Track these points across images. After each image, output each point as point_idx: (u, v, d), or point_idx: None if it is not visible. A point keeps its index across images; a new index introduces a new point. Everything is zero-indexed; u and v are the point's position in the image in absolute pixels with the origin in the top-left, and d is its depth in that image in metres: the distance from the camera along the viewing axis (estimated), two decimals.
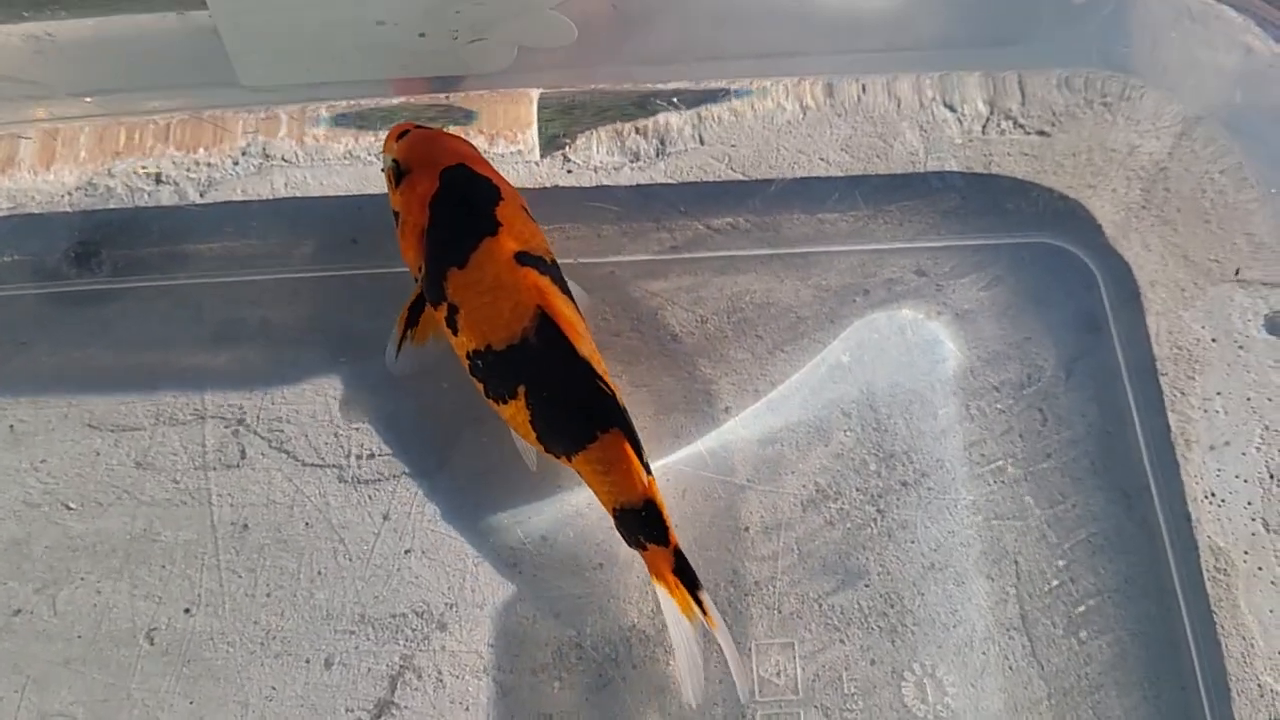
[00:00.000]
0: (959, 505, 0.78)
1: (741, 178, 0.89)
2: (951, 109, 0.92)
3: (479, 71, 0.82)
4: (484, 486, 0.79)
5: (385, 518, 0.79)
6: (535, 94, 0.92)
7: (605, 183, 0.89)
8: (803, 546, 0.77)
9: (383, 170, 0.82)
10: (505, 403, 0.75)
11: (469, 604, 0.76)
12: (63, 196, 0.89)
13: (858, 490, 0.79)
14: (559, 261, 0.79)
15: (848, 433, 0.81)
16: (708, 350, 0.83)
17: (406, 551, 0.78)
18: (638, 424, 0.78)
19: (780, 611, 0.75)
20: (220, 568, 0.77)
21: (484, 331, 0.73)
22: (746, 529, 0.78)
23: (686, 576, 0.70)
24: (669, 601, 0.70)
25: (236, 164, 0.91)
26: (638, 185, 0.89)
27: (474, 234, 0.74)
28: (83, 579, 0.77)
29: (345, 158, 0.91)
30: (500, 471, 0.79)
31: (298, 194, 0.89)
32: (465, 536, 0.78)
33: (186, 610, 0.76)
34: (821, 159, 0.90)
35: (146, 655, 0.75)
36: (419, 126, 0.81)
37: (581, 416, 0.72)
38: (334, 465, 0.80)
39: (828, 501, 0.78)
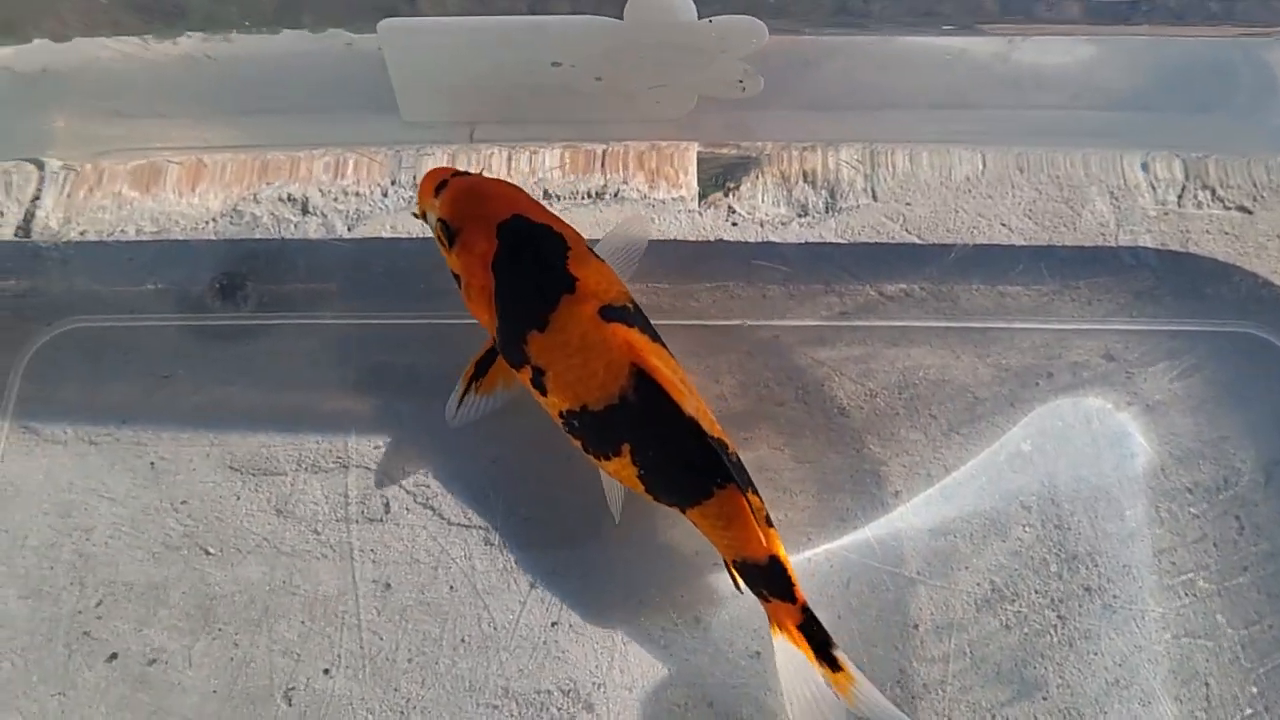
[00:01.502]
0: (1147, 618, 0.74)
1: (917, 241, 0.86)
2: (1146, 175, 0.88)
3: (655, 118, 0.79)
4: (637, 561, 0.77)
5: (532, 586, 0.77)
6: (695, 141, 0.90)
7: (772, 239, 0.86)
8: (976, 650, 0.74)
9: (415, 215, 0.79)
10: (608, 459, 0.73)
11: (617, 685, 0.74)
12: (207, 223, 0.88)
13: (1037, 593, 0.75)
14: (723, 323, 0.77)
15: (1027, 528, 0.77)
16: (877, 427, 0.80)
17: (553, 624, 0.76)
18: (799, 502, 0.76)
19: (950, 718, 0.72)
20: (361, 627, 0.76)
21: (578, 393, 0.71)
22: (916, 626, 0.75)
23: (814, 634, 0.69)
24: (790, 652, 0.69)
25: (385, 196, 0.90)
26: (806, 243, 0.86)
27: (550, 294, 0.71)
28: (220, 630, 0.76)
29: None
30: (654, 546, 0.77)
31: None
32: (615, 613, 0.76)
33: (325, 671, 0.75)
34: (1003, 225, 0.86)
35: (283, 716, 0.74)
36: (456, 173, 0.78)
37: (694, 473, 0.70)
38: (481, 527, 0.78)
39: (1004, 603, 0.75)
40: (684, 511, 0.73)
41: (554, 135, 0.85)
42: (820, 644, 0.69)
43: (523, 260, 0.73)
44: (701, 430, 0.69)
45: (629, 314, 0.73)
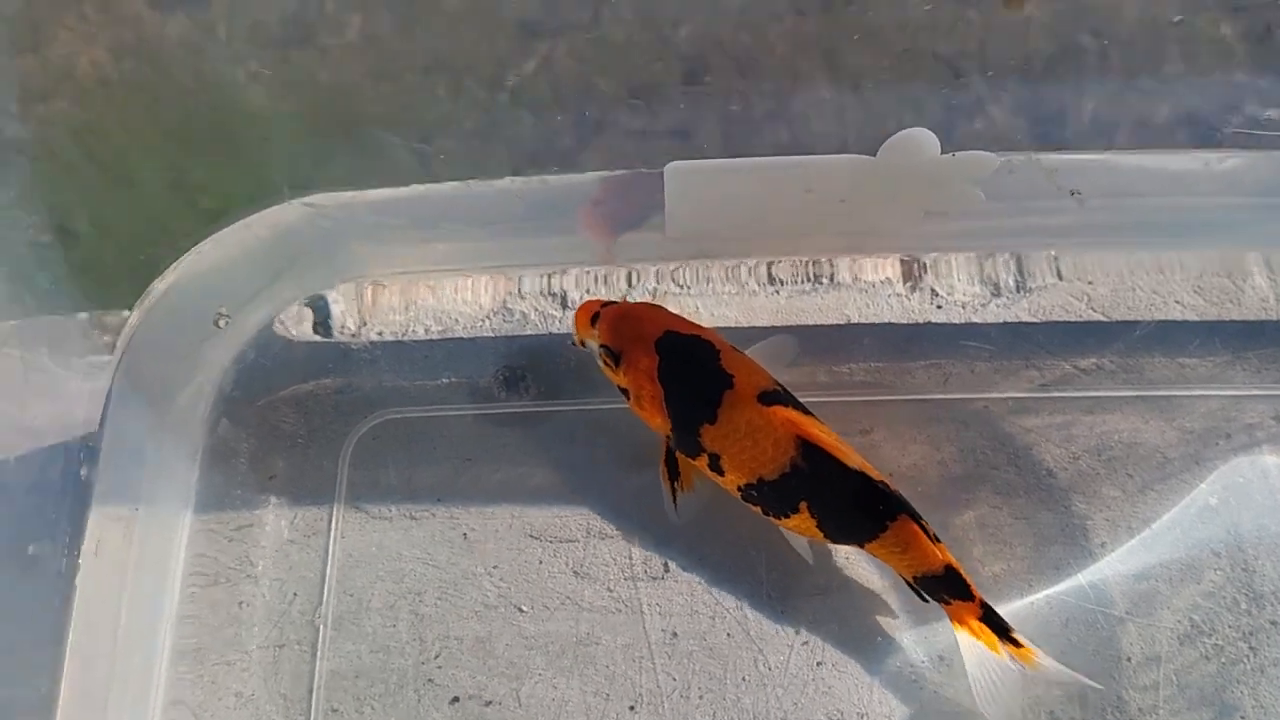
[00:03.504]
0: None
1: (1103, 319, 1.00)
2: None
3: (886, 232, 0.93)
4: (884, 608, 0.92)
5: (797, 632, 0.92)
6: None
7: (974, 320, 1.01)
8: (1181, 678, 0.89)
9: (571, 344, 0.94)
10: (788, 517, 0.89)
11: (877, 715, 0.90)
12: (483, 320, 1.04)
13: (1230, 627, 0.90)
14: (939, 397, 0.92)
15: (1218, 572, 0.91)
16: (1081, 487, 0.95)
17: (818, 664, 0.91)
18: (1019, 553, 0.92)
19: None
20: (656, 670, 0.92)
21: (753, 469, 0.87)
22: (1128, 659, 0.89)
23: (995, 622, 0.84)
24: (972, 644, 0.85)
25: (632, 285, 1.05)
26: (1005, 323, 1.00)
27: (713, 392, 0.87)
28: (540, 675, 0.92)
29: (731, 284, 1.04)
30: (898, 594, 0.92)
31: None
32: (870, 653, 0.91)
33: (631, 707, 0.91)
34: (1177, 302, 1.00)
35: None
36: (605, 303, 0.93)
37: (869, 513, 0.86)
38: (749, 581, 0.94)
39: (1202, 636, 0.90)
40: (862, 547, 0.88)
41: (776, 251, 1.00)
42: (1002, 630, 0.85)
43: (684, 368, 0.89)
44: (869, 478, 0.85)
45: (781, 395, 0.89)
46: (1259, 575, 0.91)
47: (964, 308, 1.03)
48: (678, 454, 0.93)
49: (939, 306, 1.03)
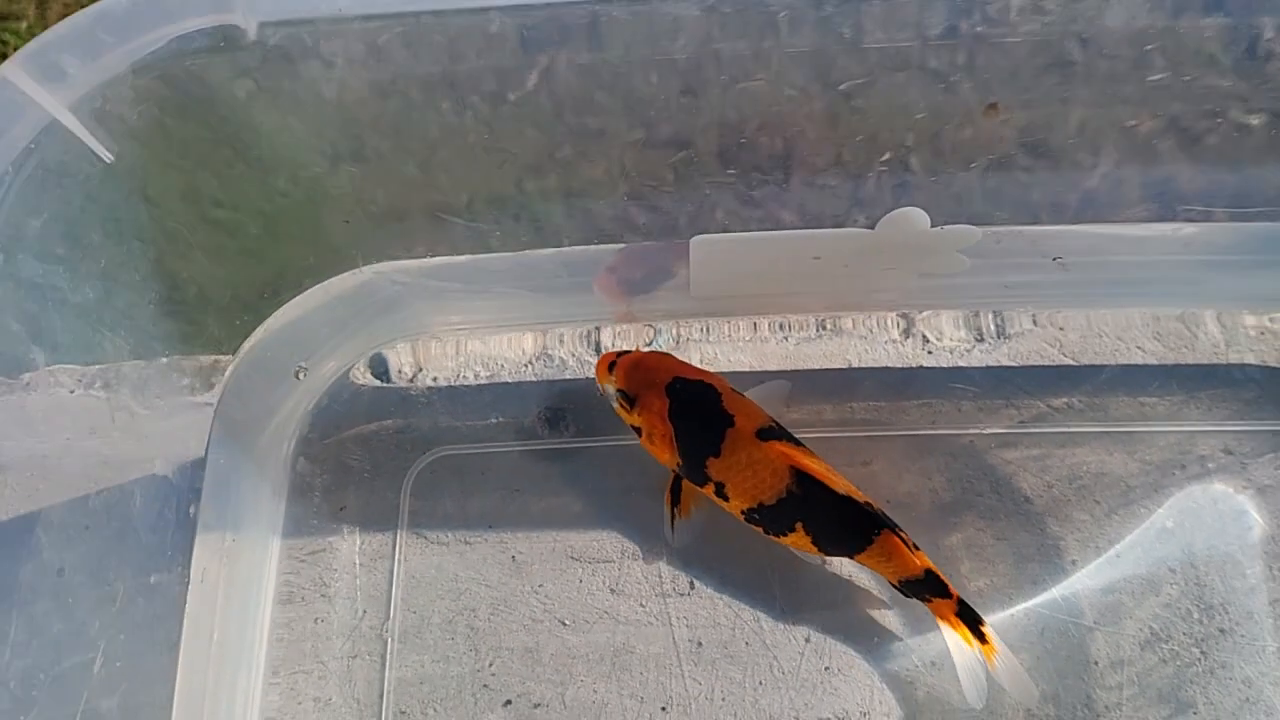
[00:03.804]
0: (1267, 651, 1.02)
1: (1073, 363, 1.13)
2: (1246, 303, 1.15)
3: (884, 292, 1.07)
4: (884, 619, 1.06)
5: (807, 641, 1.05)
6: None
7: (960, 364, 1.14)
8: (1142, 680, 1.02)
9: (601, 394, 1.06)
10: (786, 535, 1.03)
11: (879, 713, 1.03)
12: (525, 365, 1.17)
13: (1184, 635, 1.03)
14: (929, 432, 1.05)
15: (1174, 586, 1.05)
16: (1055, 512, 1.08)
17: (826, 669, 1.05)
18: (1000, 570, 1.05)
19: None
20: (684, 676, 1.05)
21: (753, 495, 1.01)
22: (1096, 663, 1.03)
23: (968, 616, 0.99)
24: (954, 635, 0.99)
25: (651, 342, 1.18)
26: (988, 367, 1.14)
27: (717, 429, 1.01)
28: (582, 681, 1.05)
29: (748, 335, 1.17)
30: (897, 608, 1.06)
31: (710, 369, 1.15)
32: (871, 658, 1.05)
33: (663, 708, 1.04)
34: (1139, 347, 1.14)
35: None
36: (621, 353, 1.07)
37: (856, 530, 1.00)
38: (764, 596, 1.07)
39: (1160, 643, 1.03)
40: (852, 557, 1.02)
41: (786, 307, 1.14)
42: (973, 622, 0.99)
43: (691, 409, 1.03)
44: (855, 500, 0.99)
45: (776, 431, 1.03)
46: (1209, 589, 1.05)
47: (951, 353, 1.16)
48: (685, 483, 1.06)
49: (930, 352, 1.16)
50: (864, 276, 1.05)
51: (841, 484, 0.99)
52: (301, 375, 1.10)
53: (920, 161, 0.91)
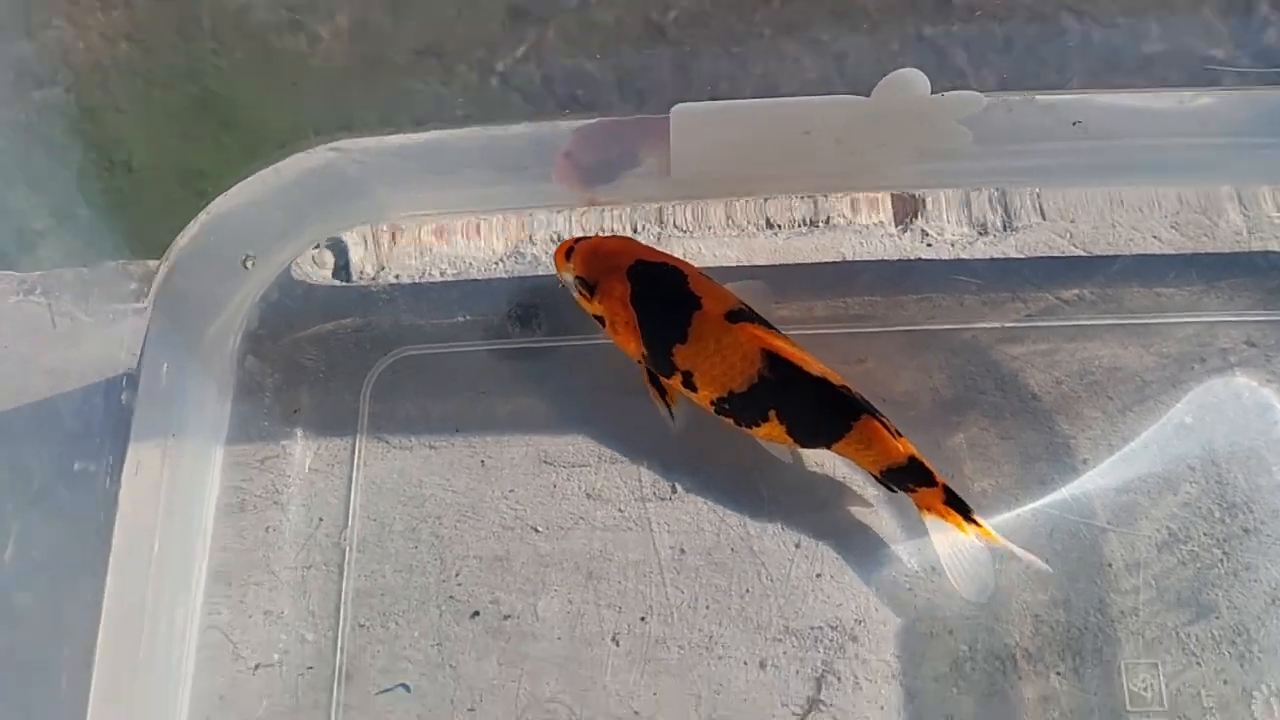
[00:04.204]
0: None
1: (1084, 254, 1.06)
2: (1271, 189, 1.07)
3: (879, 171, 0.99)
4: (878, 523, 0.99)
5: (797, 546, 0.98)
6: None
7: (963, 256, 1.07)
8: (1160, 583, 0.95)
9: (562, 286, 1.00)
10: (759, 426, 0.96)
11: (874, 620, 0.96)
12: (496, 264, 1.10)
13: (1205, 535, 0.96)
14: (929, 328, 0.98)
15: (1193, 484, 0.98)
16: (1064, 409, 1.01)
17: (818, 575, 0.98)
18: (1006, 470, 0.98)
19: (1144, 637, 0.93)
20: (665, 584, 0.98)
21: (723, 383, 0.94)
22: (1110, 565, 0.96)
23: (957, 504, 0.91)
24: (939, 525, 0.92)
25: (637, 231, 1.11)
26: (992, 259, 1.07)
27: (683, 313, 0.94)
28: (556, 590, 0.98)
29: (729, 224, 1.10)
30: (890, 510, 0.99)
31: (694, 264, 1.08)
32: (866, 564, 0.98)
33: (642, 618, 0.97)
34: (1155, 237, 1.07)
35: (614, 654, 0.96)
36: (578, 239, 1.00)
37: (833, 415, 0.93)
38: (750, 500, 1.00)
39: (1179, 544, 0.96)
40: (830, 447, 0.95)
41: (775, 189, 1.06)
42: (963, 511, 0.91)
43: (655, 293, 0.96)
44: (831, 382, 0.92)
45: (746, 313, 0.96)
46: (1231, 487, 0.97)
47: (953, 246, 1.09)
48: (659, 378, 0.99)
49: (929, 245, 1.09)
50: (858, 153, 0.97)
51: (817, 367, 0.93)
52: (249, 265, 1.03)
53: (924, 10, 0.83)
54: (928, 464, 0.92)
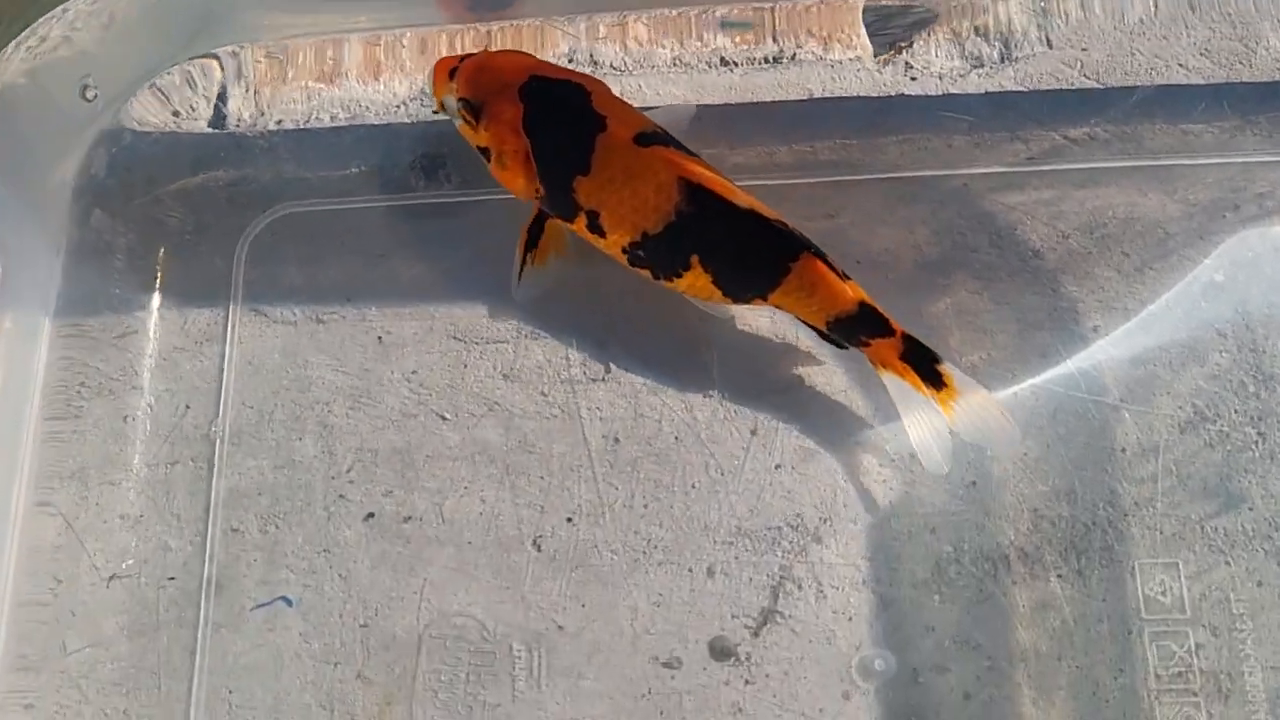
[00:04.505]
0: None
1: (1097, 85, 0.90)
2: None
3: None
4: (848, 403, 0.84)
5: (753, 433, 0.83)
6: None
7: (953, 91, 0.91)
8: (1181, 469, 0.80)
9: (436, 112, 0.83)
10: (680, 276, 0.80)
11: (842, 519, 0.81)
12: (398, 108, 0.93)
13: (1236, 412, 0.81)
14: (913, 174, 0.83)
15: (1223, 353, 0.83)
16: (1071, 267, 0.86)
17: (776, 466, 0.83)
18: (1000, 341, 0.84)
19: (1162, 533, 0.79)
20: (597, 480, 0.83)
21: (635, 222, 0.78)
22: (1123, 450, 0.81)
23: (919, 355, 0.77)
24: (899, 383, 0.77)
25: (571, 62, 0.94)
26: (987, 93, 0.90)
27: (585, 137, 0.77)
28: (466, 488, 0.83)
29: (675, 64, 0.93)
30: (863, 388, 0.83)
31: (634, 104, 0.91)
32: (833, 452, 0.83)
33: (569, 519, 0.82)
34: (1180, 65, 0.90)
35: (535, 560, 0.81)
36: (464, 56, 0.82)
37: (767, 257, 0.78)
38: (697, 380, 0.85)
39: (1205, 423, 0.81)
40: (765, 299, 0.80)
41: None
42: (926, 363, 0.76)
43: (552, 114, 0.79)
44: (762, 215, 0.76)
45: (661, 137, 0.79)
46: (1268, 356, 0.82)
47: (941, 79, 0.92)
48: (551, 223, 0.83)
49: (913, 79, 0.92)
50: None
51: (744, 199, 0.77)
52: (91, 95, 0.85)
53: None
54: (881, 310, 0.77)
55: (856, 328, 0.77)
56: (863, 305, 0.77)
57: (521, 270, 0.84)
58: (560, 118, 0.78)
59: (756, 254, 0.77)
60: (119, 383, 0.86)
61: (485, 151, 0.81)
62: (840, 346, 0.79)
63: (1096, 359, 0.84)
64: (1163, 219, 0.87)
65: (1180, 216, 0.87)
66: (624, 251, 0.80)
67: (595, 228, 0.79)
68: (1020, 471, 0.81)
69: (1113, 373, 0.83)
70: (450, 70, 0.80)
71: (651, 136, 0.77)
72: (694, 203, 0.75)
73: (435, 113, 0.84)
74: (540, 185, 0.79)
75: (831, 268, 0.76)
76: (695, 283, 0.79)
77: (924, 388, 0.76)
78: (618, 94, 0.88)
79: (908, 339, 0.77)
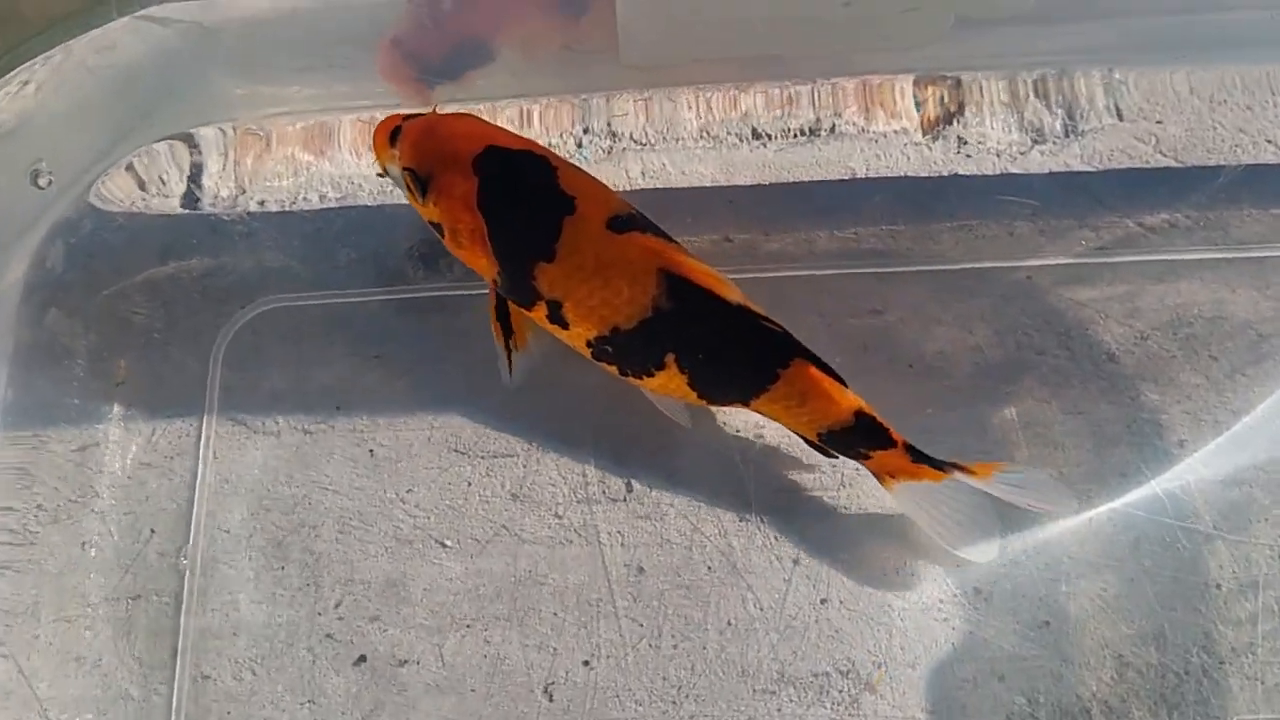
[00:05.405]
0: None
1: (1175, 164, 0.81)
2: None
3: (906, 44, 0.74)
4: (904, 531, 0.75)
5: (796, 563, 0.75)
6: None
7: (1012, 170, 0.82)
8: None
9: (378, 174, 0.76)
10: (651, 375, 0.72)
11: (899, 663, 0.72)
12: (392, 186, 0.84)
13: None
14: (970, 265, 0.73)
15: None
16: (1152, 373, 0.78)
17: (823, 601, 0.74)
18: (1074, 457, 0.76)
19: (1264, 683, 0.70)
20: (618, 615, 0.74)
21: (604, 316, 0.70)
22: (1218, 586, 0.72)
23: (929, 461, 0.69)
24: (915, 489, 0.70)
25: (581, 147, 0.86)
26: (1052, 173, 0.82)
27: (549, 219, 0.69)
28: (469, 626, 0.74)
29: (705, 138, 0.85)
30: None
31: (657, 184, 0.83)
32: (887, 585, 0.74)
33: (585, 662, 0.73)
34: (1269, 141, 0.82)
35: (547, 712, 0.72)
36: (408, 116, 0.74)
37: (754, 361, 0.70)
38: (733, 501, 0.76)
39: None
40: (747, 404, 0.72)
41: (761, 74, 0.80)
42: (938, 464, 0.70)
43: (511, 192, 0.71)
44: (755, 315, 0.69)
45: (638, 220, 0.72)
46: None
47: (999, 156, 0.84)
48: (512, 307, 0.75)
49: (968, 156, 0.84)
50: (874, 22, 0.72)
51: (735, 294, 0.69)
52: (44, 182, 0.77)
53: None
54: (882, 420, 0.69)
55: (853, 440, 0.70)
56: (859, 415, 0.69)
57: (510, 360, 0.76)
58: (520, 196, 0.70)
59: (742, 356, 0.69)
60: (75, 504, 0.77)
61: (437, 227, 0.73)
62: (831, 456, 0.72)
63: (1184, 479, 0.75)
64: (1254, 318, 0.79)
65: (1274, 316, 0.79)
66: (588, 345, 0.72)
67: (557, 319, 0.71)
68: (1100, 610, 0.72)
69: (1203, 495, 0.75)
70: (392, 133, 0.72)
71: (628, 220, 0.69)
72: (675, 298, 0.67)
73: (379, 175, 0.75)
74: (497, 267, 0.71)
75: (827, 373, 0.69)
76: (668, 383, 0.71)
77: (946, 471, 0.69)
78: (640, 172, 0.81)
79: (911, 447, 0.69)
